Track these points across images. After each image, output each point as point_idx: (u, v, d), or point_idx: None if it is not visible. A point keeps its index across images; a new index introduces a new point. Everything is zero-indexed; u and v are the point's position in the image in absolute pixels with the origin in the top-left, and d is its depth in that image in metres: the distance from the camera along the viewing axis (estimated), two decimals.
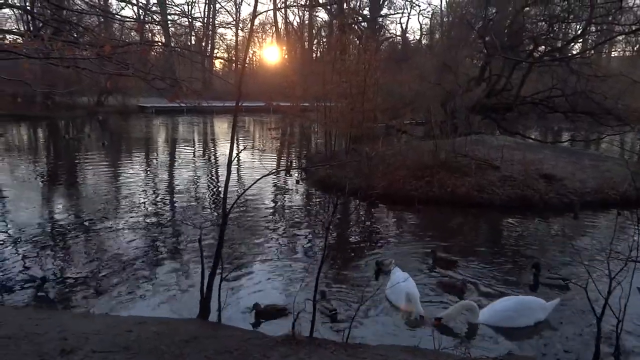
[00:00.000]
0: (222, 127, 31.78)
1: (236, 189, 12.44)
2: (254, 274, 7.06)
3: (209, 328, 4.87)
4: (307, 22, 55.69)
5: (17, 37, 7.53)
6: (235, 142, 5.42)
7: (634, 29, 19.09)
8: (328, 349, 4.42)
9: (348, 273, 7.17)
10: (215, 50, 56.66)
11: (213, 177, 15.00)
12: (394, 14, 50.64)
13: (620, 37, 27.83)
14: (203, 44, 54.39)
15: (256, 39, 58.16)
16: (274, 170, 14.69)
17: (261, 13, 52.81)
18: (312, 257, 7.77)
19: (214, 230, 8.87)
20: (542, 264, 7.20)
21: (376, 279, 6.88)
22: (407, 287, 5.88)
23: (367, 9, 47.59)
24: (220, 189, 12.94)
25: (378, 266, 7.12)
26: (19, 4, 27.23)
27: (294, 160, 18.56)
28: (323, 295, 6.05)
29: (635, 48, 36.63)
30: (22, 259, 7.43)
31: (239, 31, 55.28)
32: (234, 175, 14.36)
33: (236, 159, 5.23)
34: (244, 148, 16.14)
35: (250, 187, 5.61)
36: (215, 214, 10.35)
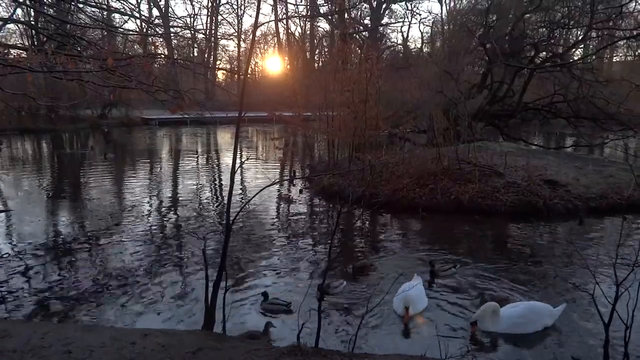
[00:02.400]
0: (225, 137, 31.89)
1: (240, 199, 12.46)
2: (258, 284, 7.04)
3: (213, 339, 4.84)
4: (308, 32, 56.13)
5: (21, 51, 7.61)
6: (239, 152, 5.43)
7: (635, 34, 19.09)
8: (334, 359, 4.39)
9: (353, 282, 7.14)
10: (218, 62, 57.09)
11: (217, 188, 15.02)
12: (395, 22, 50.82)
13: (621, 42, 27.86)
14: (206, 55, 54.80)
15: (258, 49, 58.57)
16: (277, 181, 14.71)
17: (263, 24, 53.17)
18: (316, 266, 7.74)
19: (217, 240, 8.88)
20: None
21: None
22: (407, 293, 5.86)
23: (368, 18, 47.88)
24: (223, 200, 12.96)
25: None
26: (23, 19, 27.60)
27: (297, 170, 18.58)
28: (265, 296, 6.23)
29: (637, 53, 36.66)
30: (27, 272, 7.45)
31: (241, 42, 55.71)
32: (237, 186, 14.38)
33: (239, 169, 5.23)
34: (247, 159, 16.16)
35: (253, 197, 5.63)
36: (219, 224, 10.35)
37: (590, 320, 5.77)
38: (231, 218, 5.24)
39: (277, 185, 14.41)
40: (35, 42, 25.78)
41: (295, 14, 48.45)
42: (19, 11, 32.71)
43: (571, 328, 5.67)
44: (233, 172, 5.21)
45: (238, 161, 5.25)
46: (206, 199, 13.26)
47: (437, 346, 4.72)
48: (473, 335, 5.41)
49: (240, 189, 14.23)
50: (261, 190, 5.48)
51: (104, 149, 23.84)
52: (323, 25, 55.71)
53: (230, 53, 60.98)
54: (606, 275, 6.70)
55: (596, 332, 5.44)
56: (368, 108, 14.42)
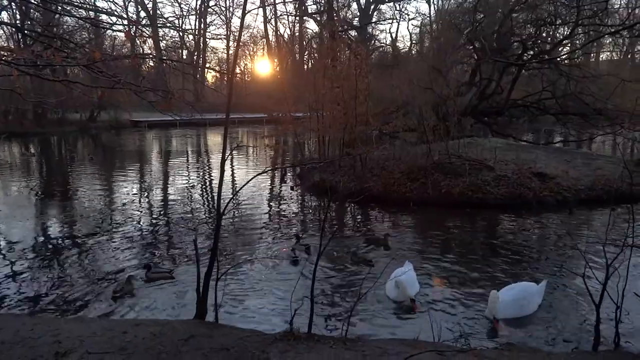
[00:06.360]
0: (215, 139, 31.75)
1: (230, 192, 12.46)
2: (250, 273, 7.03)
3: (206, 327, 4.81)
4: (297, 33, 56.14)
5: (7, 52, 7.50)
6: (228, 146, 5.40)
7: (620, 28, 19.31)
8: (327, 343, 4.38)
9: (344, 270, 7.16)
10: (207, 64, 56.91)
11: (206, 185, 14.97)
12: (384, 20, 50.80)
13: (607, 40, 28.21)
14: (195, 57, 54.61)
15: (247, 52, 58.49)
16: (268, 169, 14.58)
17: (250, 11, 52.98)
18: (308, 255, 7.73)
19: (208, 232, 8.89)
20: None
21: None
22: (398, 277, 5.88)
23: (357, 19, 48.01)
24: (213, 195, 12.92)
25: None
26: (9, 22, 27.30)
27: (287, 167, 18.55)
28: (148, 268, 6.85)
29: (622, 50, 37.25)
30: (17, 271, 7.32)
31: (230, 44, 55.59)
32: (228, 184, 14.36)
33: (229, 166, 5.22)
34: (237, 145, 16.17)
35: (245, 185, 5.58)
36: (210, 216, 10.38)
37: (581, 302, 5.83)
38: (222, 207, 5.21)
39: (269, 183, 14.41)
40: (22, 45, 25.50)
41: (284, 13, 48.52)
42: (4, 14, 32.35)
43: (562, 310, 5.71)
44: (223, 161, 5.18)
45: (228, 149, 5.22)
46: (196, 194, 13.23)
47: (430, 330, 4.74)
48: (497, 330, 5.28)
49: (231, 184, 14.22)
50: (252, 178, 5.45)
51: (91, 152, 23.65)
52: (312, 26, 55.85)
53: (220, 55, 60.75)
54: (596, 259, 6.75)
55: (587, 312, 5.50)
56: (358, 104, 14.42)
